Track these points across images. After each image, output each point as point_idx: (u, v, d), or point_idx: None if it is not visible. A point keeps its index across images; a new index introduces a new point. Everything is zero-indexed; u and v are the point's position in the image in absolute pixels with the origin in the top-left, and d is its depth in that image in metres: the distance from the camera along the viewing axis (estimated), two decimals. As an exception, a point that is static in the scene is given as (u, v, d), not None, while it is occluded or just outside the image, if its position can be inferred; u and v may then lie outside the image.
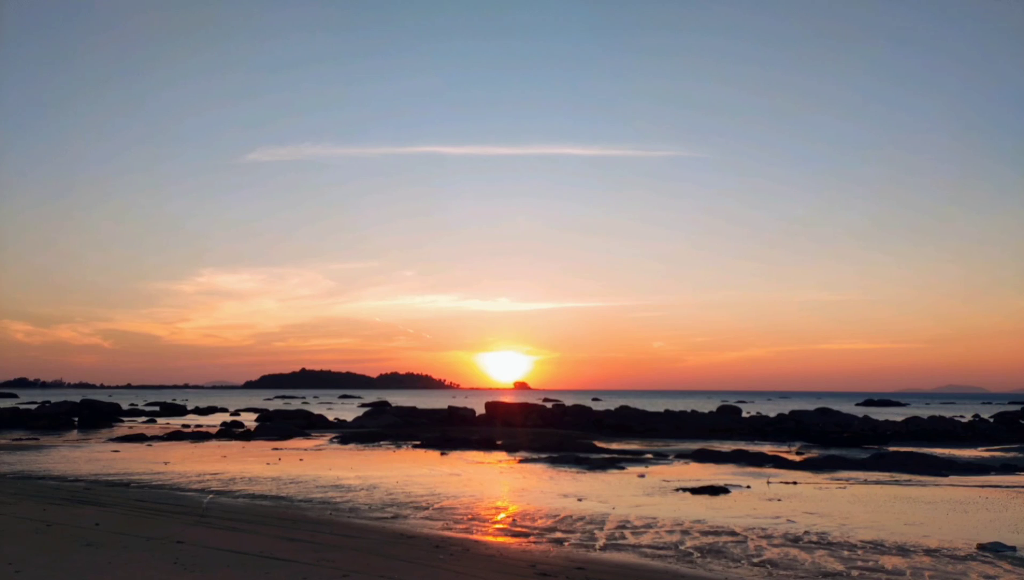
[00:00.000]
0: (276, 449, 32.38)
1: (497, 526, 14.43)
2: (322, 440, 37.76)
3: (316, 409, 70.96)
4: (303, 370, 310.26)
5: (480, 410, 53.68)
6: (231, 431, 41.11)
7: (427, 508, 16.44)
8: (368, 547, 11.29)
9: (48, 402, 67.42)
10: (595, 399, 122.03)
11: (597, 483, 21.64)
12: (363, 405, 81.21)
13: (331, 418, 57.39)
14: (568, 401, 76.23)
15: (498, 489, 20.27)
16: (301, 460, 27.57)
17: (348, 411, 74.80)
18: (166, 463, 25.81)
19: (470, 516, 15.48)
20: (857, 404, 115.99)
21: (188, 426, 48.41)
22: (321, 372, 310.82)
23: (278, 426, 41.94)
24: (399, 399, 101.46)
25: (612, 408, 54.98)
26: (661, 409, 53.46)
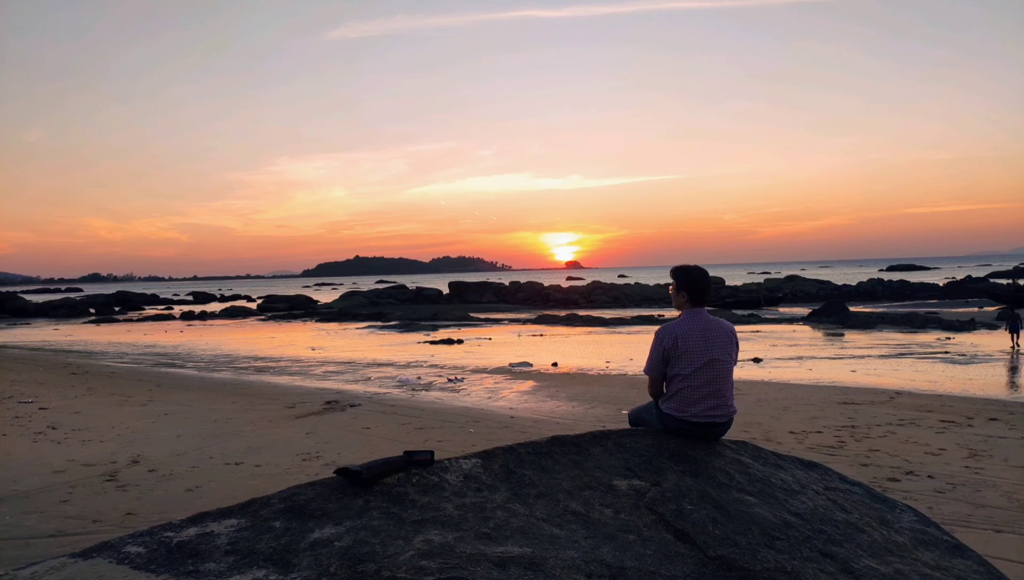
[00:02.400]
0: (189, 326, 40.00)
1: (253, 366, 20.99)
2: (259, 317, 45.50)
3: (319, 295, 79.41)
4: (356, 257, 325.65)
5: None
6: (192, 314, 49.41)
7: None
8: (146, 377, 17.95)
9: (86, 295, 77.64)
10: (621, 275, 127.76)
11: (376, 339, 28.13)
12: (370, 289, 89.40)
13: (321, 301, 65.28)
14: (603, 278, 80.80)
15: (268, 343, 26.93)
16: (181, 332, 35.06)
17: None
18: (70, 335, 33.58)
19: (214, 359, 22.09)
20: (880, 270, 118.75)
21: (191, 310, 57.08)
22: (373, 259, 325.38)
23: (230, 310, 50.08)
24: (430, 282, 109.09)
25: (632, 282, 62.48)
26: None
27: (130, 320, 46.49)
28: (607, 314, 37.34)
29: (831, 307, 33.38)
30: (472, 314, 40.16)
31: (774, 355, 20.10)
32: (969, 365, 17.38)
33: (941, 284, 51.47)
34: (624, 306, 45.80)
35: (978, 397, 12.81)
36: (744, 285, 55.73)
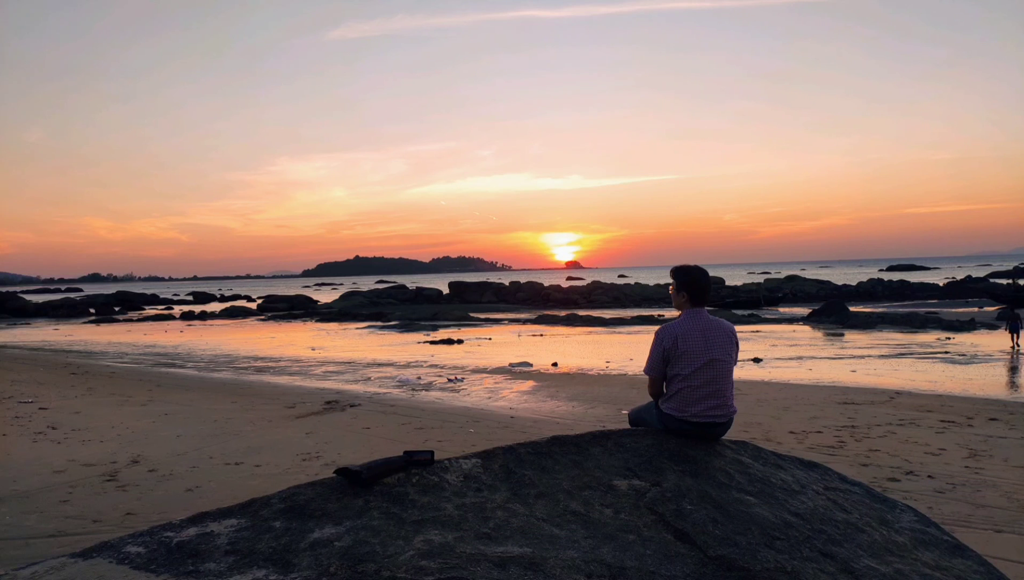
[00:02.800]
0: (187, 326, 39.95)
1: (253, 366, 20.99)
2: (259, 317, 45.51)
3: (320, 295, 79.53)
4: (356, 257, 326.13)
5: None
6: (192, 314, 49.39)
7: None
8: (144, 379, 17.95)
9: (86, 295, 77.60)
10: (621, 276, 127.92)
11: (376, 339, 28.13)
12: (371, 289, 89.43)
13: (321, 301, 65.27)
14: (603, 278, 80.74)
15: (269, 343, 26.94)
16: (181, 332, 35.05)
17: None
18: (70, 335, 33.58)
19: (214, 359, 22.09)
20: (880, 270, 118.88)
21: (191, 310, 57.10)
22: (373, 259, 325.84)
23: (230, 310, 50.08)
24: (430, 282, 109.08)
25: (632, 282, 62.66)
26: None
27: (130, 320, 46.49)
28: (607, 314, 37.35)
29: (831, 307, 33.38)
30: (472, 314, 40.16)
31: (774, 355, 20.10)
32: (969, 365, 17.38)
33: (941, 284, 51.47)
34: (624, 306, 45.80)
35: (978, 397, 12.81)
36: (744, 285, 55.73)
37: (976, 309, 35.39)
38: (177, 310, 56.45)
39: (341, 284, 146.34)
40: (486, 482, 3.17)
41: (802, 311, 36.42)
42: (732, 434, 4.12)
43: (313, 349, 24.88)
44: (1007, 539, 5.52)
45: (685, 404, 3.69)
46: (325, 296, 72.73)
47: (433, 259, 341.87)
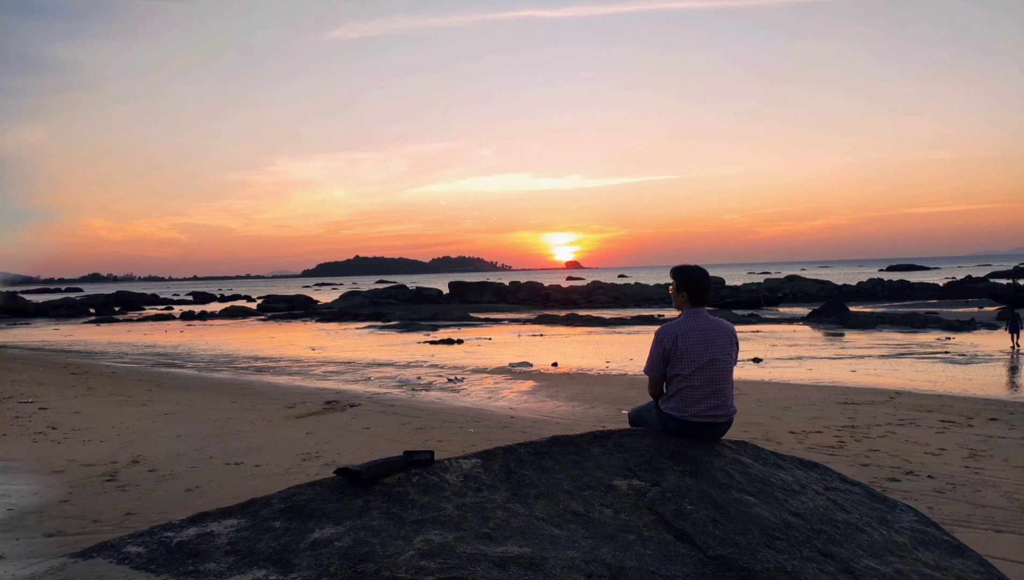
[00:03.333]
0: (190, 326, 39.95)
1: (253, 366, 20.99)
2: (259, 317, 45.52)
3: (320, 295, 79.55)
4: (356, 257, 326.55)
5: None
6: (192, 314, 49.40)
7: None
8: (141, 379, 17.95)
9: (86, 295, 77.60)
10: (621, 276, 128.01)
11: (376, 339, 28.14)
12: (371, 289, 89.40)
13: (321, 301, 65.25)
14: (603, 278, 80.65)
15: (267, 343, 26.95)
16: (181, 332, 35.07)
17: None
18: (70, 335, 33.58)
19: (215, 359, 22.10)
20: (880, 270, 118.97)
21: (191, 310, 57.11)
22: (373, 259, 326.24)
23: (230, 310, 50.15)
24: (430, 282, 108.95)
25: (632, 282, 62.71)
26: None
27: (130, 320, 46.53)
28: (607, 314, 37.38)
29: (831, 307, 33.38)
30: (472, 314, 40.19)
31: (774, 355, 20.10)
32: (969, 365, 17.38)
33: (941, 284, 51.49)
34: (624, 306, 45.83)
35: (978, 397, 12.81)
36: (744, 285, 55.74)
37: (976, 309, 35.40)
38: (177, 310, 56.46)
39: (341, 284, 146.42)
40: (486, 482, 3.17)
41: (802, 311, 36.43)
42: (732, 434, 4.12)
43: (313, 349, 24.88)
44: (1007, 539, 5.52)
45: (685, 404, 3.69)
46: (325, 296, 72.70)
47: (433, 259, 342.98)
